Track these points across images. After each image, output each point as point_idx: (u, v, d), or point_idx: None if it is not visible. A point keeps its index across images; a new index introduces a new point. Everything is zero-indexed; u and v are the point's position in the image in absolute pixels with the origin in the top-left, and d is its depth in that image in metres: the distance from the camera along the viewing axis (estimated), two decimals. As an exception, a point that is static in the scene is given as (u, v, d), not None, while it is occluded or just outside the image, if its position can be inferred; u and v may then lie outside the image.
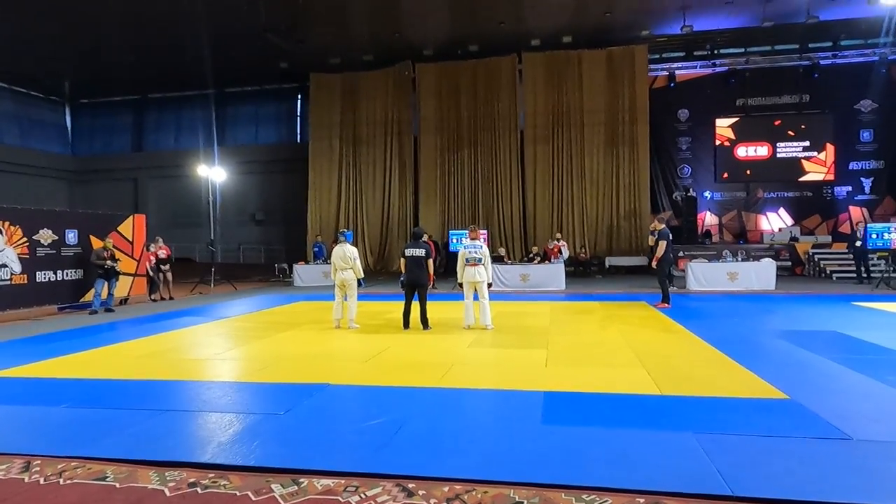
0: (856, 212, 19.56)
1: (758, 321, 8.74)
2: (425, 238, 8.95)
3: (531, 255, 15.78)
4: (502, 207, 20.42)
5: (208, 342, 7.81)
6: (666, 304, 10.43)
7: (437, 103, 20.89)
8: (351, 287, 8.52)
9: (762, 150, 20.07)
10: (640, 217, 19.32)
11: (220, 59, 19.17)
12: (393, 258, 20.00)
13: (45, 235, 10.99)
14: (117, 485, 3.14)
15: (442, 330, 8.22)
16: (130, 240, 12.90)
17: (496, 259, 15.27)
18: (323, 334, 8.20)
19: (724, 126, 20.25)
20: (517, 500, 2.86)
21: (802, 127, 19.81)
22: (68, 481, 3.20)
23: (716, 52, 19.88)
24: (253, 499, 2.94)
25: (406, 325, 8.32)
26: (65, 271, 11.39)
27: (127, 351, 7.07)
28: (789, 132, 19.88)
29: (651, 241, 11.00)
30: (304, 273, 16.52)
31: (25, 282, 10.53)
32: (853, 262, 15.11)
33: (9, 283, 10.25)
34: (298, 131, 24.67)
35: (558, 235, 17.23)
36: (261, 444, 3.73)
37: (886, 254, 14.05)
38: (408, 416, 4.23)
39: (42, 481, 3.21)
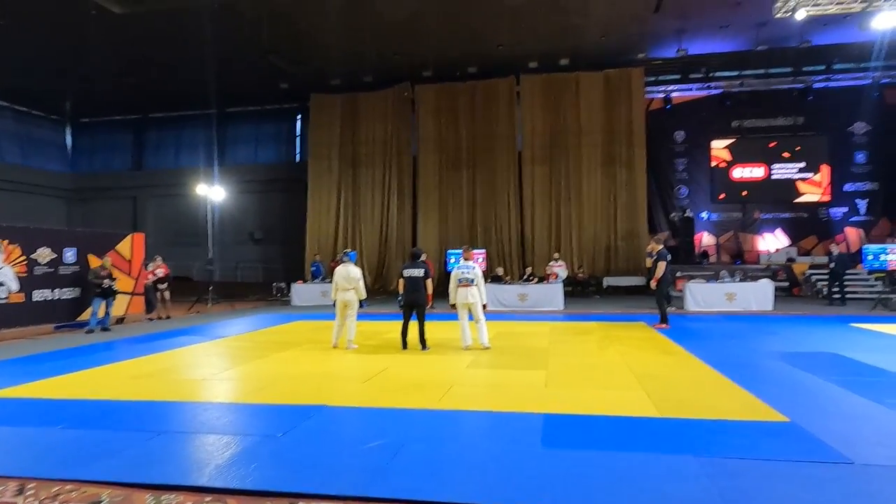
0: (852, 233, 19.67)
1: (757, 342, 8.73)
2: (423, 258, 8.95)
3: (528, 276, 15.76)
4: (500, 227, 20.46)
5: (205, 362, 7.77)
6: (665, 325, 10.42)
7: (436, 124, 21.05)
8: (352, 308, 8.46)
9: (758, 172, 20.24)
10: (638, 237, 19.37)
11: (221, 80, 19.34)
12: (391, 278, 19.98)
13: (44, 254, 10.99)
14: (113, 509, 3.10)
15: (440, 350, 8.19)
16: (129, 258, 12.89)
17: (494, 279, 15.29)
18: (321, 354, 8.16)
19: (719, 147, 20.45)
20: (517, 525, 2.83)
21: (797, 149, 20.01)
22: (63, 505, 3.16)
23: (711, 74, 20.13)
24: (250, 523, 2.91)
25: (404, 345, 8.28)
26: (62, 290, 11.36)
27: (123, 371, 7.02)
28: (784, 154, 20.07)
29: (649, 262, 11.02)
30: (301, 292, 16.49)
31: (22, 300, 10.49)
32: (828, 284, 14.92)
33: (5, 301, 10.21)
34: (298, 151, 24.80)
35: (556, 255, 17.20)
36: (258, 467, 3.70)
37: (884, 275, 14.10)
38: (406, 438, 4.20)
39: (36, 505, 3.17)
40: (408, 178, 21.36)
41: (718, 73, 20.16)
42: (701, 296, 13.51)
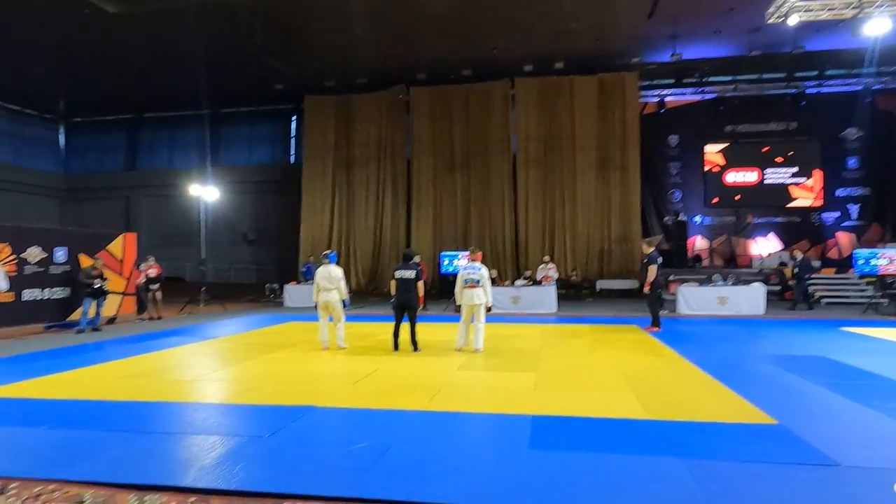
0: (844, 237, 19.77)
1: (747, 345, 8.76)
2: (416, 260, 8.91)
3: (527, 278, 15.71)
4: (494, 230, 20.48)
5: (195, 362, 7.73)
6: (656, 328, 10.43)
7: (431, 126, 21.07)
8: (335, 309, 8.40)
9: (751, 176, 20.33)
10: (632, 241, 19.43)
11: (215, 81, 19.31)
12: (384, 279, 19.93)
13: (34, 253, 10.91)
14: (95, 509, 3.07)
15: (432, 352, 8.17)
16: (120, 258, 12.81)
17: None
18: (311, 355, 8.13)
19: (713, 152, 20.53)
20: (502, 526, 2.82)
21: (790, 153, 20.10)
22: (44, 505, 3.13)
23: (704, 79, 20.23)
24: (233, 524, 2.89)
25: (396, 346, 8.26)
26: (52, 289, 11.28)
27: (112, 371, 6.97)
28: (777, 158, 20.17)
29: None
30: (294, 293, 16.43)
31: (12, 300, 10.41)
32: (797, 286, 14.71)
33: (-6, 300, 10.12)
34: (292, 152, 24.75)
35: (546, 258, 17.03)
36: (244, 468, 3.68)
37: (874, 279, 14.17)
38: (394, 440, 4.18)
39: (17, 505, 3.14)
40: (402, 181, 21.36)
41: (712, 78, 20.26)
42: (693, 299, 13.54)
